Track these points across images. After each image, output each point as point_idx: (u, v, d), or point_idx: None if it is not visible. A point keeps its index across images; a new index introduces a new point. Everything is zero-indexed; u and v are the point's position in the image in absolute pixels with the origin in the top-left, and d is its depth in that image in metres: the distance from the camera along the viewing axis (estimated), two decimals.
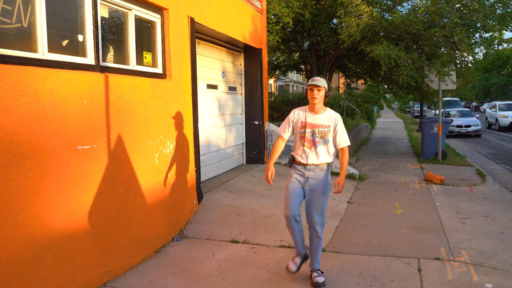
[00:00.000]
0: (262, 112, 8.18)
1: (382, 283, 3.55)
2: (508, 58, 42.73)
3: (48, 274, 3.05)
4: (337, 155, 3.63)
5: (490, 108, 23.01)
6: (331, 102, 18.47)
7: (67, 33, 3.44)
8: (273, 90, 31.03)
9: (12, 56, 2.88)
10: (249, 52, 8.07)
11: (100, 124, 3.59)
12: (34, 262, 2.94)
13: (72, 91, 3.28)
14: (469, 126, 18.25)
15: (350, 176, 8.02)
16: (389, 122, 29.48)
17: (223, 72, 7.36)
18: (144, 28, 4.54)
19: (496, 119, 20.94)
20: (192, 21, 5.25)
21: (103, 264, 3.61)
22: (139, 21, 4.44)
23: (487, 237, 4.73)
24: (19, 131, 2.83)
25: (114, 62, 4.05)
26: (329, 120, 3.49)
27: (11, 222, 2.77)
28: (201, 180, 6.10)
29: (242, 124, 8.19)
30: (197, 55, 5.96)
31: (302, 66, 14.65)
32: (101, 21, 3.83)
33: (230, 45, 7.45)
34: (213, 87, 6.98)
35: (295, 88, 40.32)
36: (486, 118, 23.24)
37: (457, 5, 9.35)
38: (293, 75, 37.17)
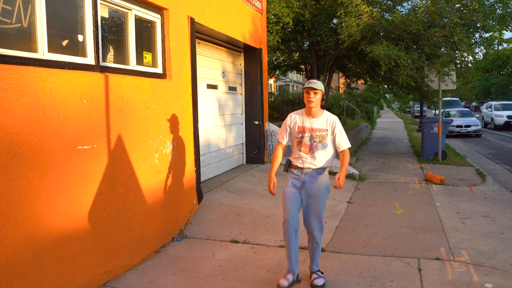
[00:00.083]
0: (262, 112, 8.18)
1: (382, 283, 3.55)
2: (508, 58, 42.69)
3: (48, 274, 3.05)
4: (337, 155, 3.59)
5: (486, 108, 23.74)
6: (331, 102, 18.49)
7: (67, 33, 3.44)
8: (273, 90, 31.04)
9: (12, 56, 2.88)
10: (249, 52, 8.07)
11: (100, 124, 3.59)
12: (34, 262, 2.94)
13: (72, 91, 3.28)
14: (469, 126, 18.27)
15: (350, 176, 8.02)
16: (389, 122, 29.48)
17: (223, 72, 7.36)
18: (144, 28, 4.54)
19: (492, 119, 21.69)
20: (192, 21, 5.25)
21: (103, 264, 3.61)
22: (139, 21, 4.44)
23: (487, 237, 4.73)
24: (19, 131, 2.83)
25: (114, 62, 4.05)
26: (327, 123, 3.39)
27: (11, 222, 2.77)
28: (201, 180, 6.10)
29: (242, 124, 8.19)
30: (197, 55, 5.96)
31: (302, 66, 14.65)
32: (101, 21, 3.83)
33: (230, 45, 7.45)
34: (213, 87, 6.98)
35: (295, 88, 40.33)
36: (483, 117, 23.65)
37: (457, 5, 9.35)
38: (293, 75, 37.17)
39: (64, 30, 3.41)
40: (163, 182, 4.59)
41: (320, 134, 3.37)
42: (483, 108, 25.10)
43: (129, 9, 4.23)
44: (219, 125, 7.19)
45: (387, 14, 10.87)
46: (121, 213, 3.87)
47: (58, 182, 3.14)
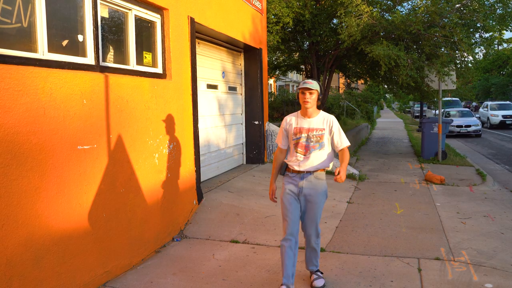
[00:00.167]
0: (262, 112, 8.18)
1: (382, 283, 3.55)
2: (508, 58, 42.67)
3: (48, 274, 3.05)
4: (336, 155, 3.56)
5: (483, 108, 24.76)
6: (331, 102, 18.49)
7: (67, 33, 3.44)
8: (273, 90, 31.05)
9: (12, 56, 2.88)
10: (249, 52, 8.07)
11: (100, 124, 3.59)
12: (34, 262, 2.94)
13: (72, 91, 3.28)
14: (469, 126, 18.28)
15: (350, 176, 8.02)
16: (389, 122, 29.48)
17: (223, 72, 7.36)
18: (144, 28, 4.54)
19: (488, 118, 22.52)
20: (192, 21, 5.25)
21: (103, 264, 3.61)
22: (139, 21, 4.44)
23: (487, 237, 4.73)
24: (19, 131, 2.83)
25: (114, 62, 4.05)
26: (323, 122, 3.31)
27: (11, 222, 2.77)
28: (201, 180, 6.10)
29: (242, 124, 8.19)
30: (197, 55, 5.96)
31: (302, 66, 14.64)
32: (101, 21, 3.83)
33: (230, 45, 7.45)
34: (213, 87, 6.98)
35: (295, 88, 40.32)
36: (479, 117, 23.99)
37: (457, 5, 9.34)
38: (293, 75, 37.17)
39: (64, 30, 3.41)
40: (163, 182, 4.59)
41: (317, 134, 3.28)
42: (480, 108, 25.96)
43: (129, 9, 4.23)
44: (219, 125, 7.19)
45: (387, 14, 10.87)
46: (121, 213, 3.88)
47: (58, 182, 3.14)
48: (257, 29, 7.97)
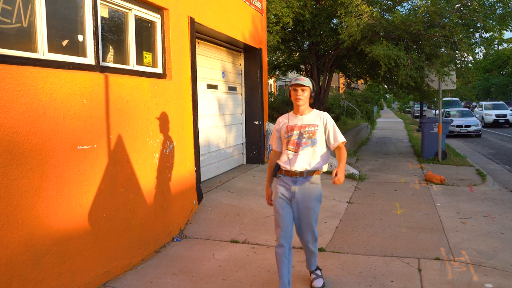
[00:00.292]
0: (262, 112, 8.18)
1: (382, 283, 3.55)
2: (508, 58, 42.66)
3: (48, 274, 3.05)
4: (333, 154, 3.47)
5: (478, 108, 26.49)
6: (331, 102, 18.49)
7: (67, 33, 3.44)
8: (273, 90, 31.02)
9: (12, 56, 2.88)
10: (249, 52, 8.07)
11: (100, 124, 3.59)
12: (34, 262, 2.94)
13: (72, 91, 3.28)
14: (469, 126, 18.30)
15: (350, 176, 8.02)
16: (389, 122, 29.49)
17: (223, 72, 7.36)
18: (144, 28, 4.54)
19: (482, 117, 23.62)
20: (192, 21, 5.25)
21: (103, 264, 3.61)
22: (139, 21, 4.44)
23: (487, 237, 4.73)
24: (19, 131, 2.83)
25: (114, 62, 4.05)
26: (317, 118, 3.18)
27: (11, 222, 2.77)
28: (201, 180, 6.10)
29: (242, 124, 8.19)
30: (197, 55, 5.96)
31: (302, 66, 14.65)
32: (101, 21, 3.83)
33: (230, 45, 7.45)
34: (213, 87, 6.98)
35: None
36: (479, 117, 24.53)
37: (457, 5, 9.35)
38: (293, 75, 37.15)
39: (64, 30, 3.41)
40: (163, 182, 4.59)
41: (309, 130, 3.14)
42: (476, 108, 27.41)
43: (129, 9, 4.23)
44: (219, 125, 7.19)
45: (387, 14, 10.87)
46: (121, 213, 3.88)
47: (58, 182, 3.14)
48: (257, 29, 7.97)
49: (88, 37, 3.62)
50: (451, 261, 4.03)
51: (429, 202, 6.33)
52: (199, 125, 5.88)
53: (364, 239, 4.68)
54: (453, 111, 20.17)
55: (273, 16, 10.32)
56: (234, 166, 7.87)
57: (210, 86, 6.88)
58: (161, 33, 4.74)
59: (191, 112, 5.26)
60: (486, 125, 23.20)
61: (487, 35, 10.70)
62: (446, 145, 12.73)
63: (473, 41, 10.37)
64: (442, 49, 9.83)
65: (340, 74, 15.92)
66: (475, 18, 9.39)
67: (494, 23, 9.82)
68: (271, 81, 28.99)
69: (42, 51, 3.12)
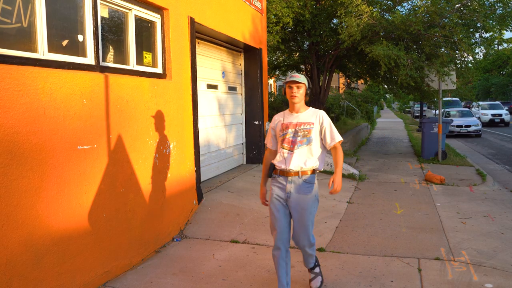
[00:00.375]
0: (262, 112, 8.18)
1: (382, 283, 3.55)
2: (508, 58, 42.66)
3: (48, 274, 3.05)
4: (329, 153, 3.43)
5: (475, 107, 27.17)
6: (331, 102, 18.48)
7: (67, 33, 3.44)
8: (273, 90, 31.00)
9: (12, 56, 2.88)
10: (249, 52, 8.06)
11: (100, 124, 3.59)
12: (34, 262, 2.94)
13: (72, 91, 3.28)
14: (469, 126, 18.32)
15: (350, 176, 8.02)
16: (389, 122, 29.49)
17: (223, 72, 7.36)
18: (144, 28, 4.54)
19: (479, 117, 24.06)
20: (192, 21, 5.25)
21: (103, 264, 3.61)
22: (139, 21, 4.44)
23: (487, 237, 4.73)
24: (19, 131, 2.83)
25: (114, 62, 4.05)
26: (313, 116, 3.12)
27: (11, 222, 2.77)
28: (201, 180, 6.10)
29: (242, 124, 8.18)
30: (197, 55, 5.96)
31: (302, 66, 14.65)
32: (101, 21, 3.83)
33: (230, 45, 7.45)
34: (213, 87, 6.98)
35: None
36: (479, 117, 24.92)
37: (457, 5, 9.35)
38: None
39: (64, 30, 3.41)
40: (163, 182, 4.59)
41: (305, 128, 3.07)
42: (473, 107, 28.20)
43: (129, 9, 4.23)
44: (219, 125, 7.19)
45: (387, 14, 10.87)
46: (121, 213, 3.87)
47: (58, 182, 3.14)
48: (257, 29, 7.97)
49: (88, 37, 3.62)
50: (451, 261, 4.03)
51: (429, 202, 6.33)
52: (199, 125, 5.88)
53: (364, 239, 4.68)
54: (453, 111, 20.21)
55: (273, 16, 10.31)
56: (234, 166, 7.87)
57: (210, 86, 6.88)
58: (161, 33, 4.74)
59: (191, 112, 5.26)
60: (483, 124, 23.44)
61: (487, 35, 10.71)
62: (446, 145, 12.73)
63: (473, 41, 10.38)
64: (442, 49, 9.83)
65: (340, 74, 15.92)
66: (475, 18, 9.39)
67: (494, 23, 9.82)
68: (271, 81, 28.96)
69: (42, 51, 3.12)
